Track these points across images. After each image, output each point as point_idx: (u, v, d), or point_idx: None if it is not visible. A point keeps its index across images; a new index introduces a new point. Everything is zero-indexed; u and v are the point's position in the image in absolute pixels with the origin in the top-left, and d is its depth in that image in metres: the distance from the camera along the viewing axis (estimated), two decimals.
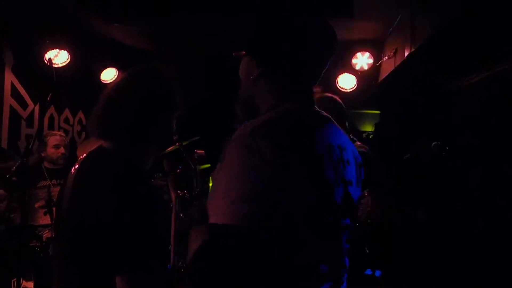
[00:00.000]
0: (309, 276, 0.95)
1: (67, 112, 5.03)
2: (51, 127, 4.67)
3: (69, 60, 4.18)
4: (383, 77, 4.63)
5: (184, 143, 3.32)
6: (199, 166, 3.06)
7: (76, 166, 1.35)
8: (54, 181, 3.55)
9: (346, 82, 5.03)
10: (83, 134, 5.33)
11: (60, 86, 4.11)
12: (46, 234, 3.20)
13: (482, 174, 3.58)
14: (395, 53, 4.07)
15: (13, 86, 4.07)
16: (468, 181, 3.73)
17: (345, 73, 5.01)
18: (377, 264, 3.85)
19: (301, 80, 1.10)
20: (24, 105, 4.24)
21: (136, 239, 1.13)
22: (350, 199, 1.05)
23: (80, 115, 5.28)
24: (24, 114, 4.24)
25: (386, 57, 4.39)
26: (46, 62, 3.76)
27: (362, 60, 4.92)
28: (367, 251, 3.18)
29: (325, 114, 1.13)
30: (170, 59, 5.47)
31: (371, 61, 4.87)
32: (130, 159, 1.31)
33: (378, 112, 5.73)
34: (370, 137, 5.24)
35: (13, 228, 3.03)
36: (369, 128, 5.64)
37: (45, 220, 3.20)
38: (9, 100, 4.02)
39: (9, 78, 4.02)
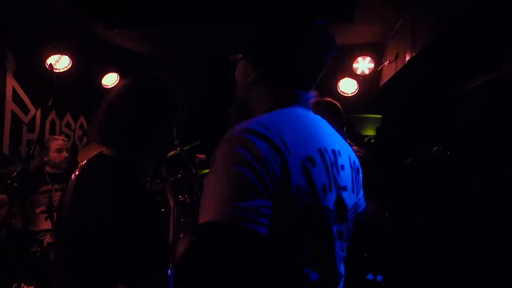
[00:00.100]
0: (298, 284, 0.92)
1: (68, 117, 5.04)
2: (52, 132, 4.68)
3: (70, 65, 4.20)
4: (384, 81, 4.63)
5: (185, 148, 3.32)
6: (200, 170, 3.06)
7: (77, 172, 1.35)
8: (56, 186, 3.56)
9: (347, 86, 5.04)
10: (85, 139, 5.34)
11: (62, 91, 4.13)
12: (47, 239, 3.20)
13: (484, 178, 3.57)
14: (396, 57, 4.07)
15: (14, 91, 4.08)
16: (470, 185, 3.72)
17: (346, 77, 5.03)
18: (378, 269, 3.84)
19: (296, 84, 1.09)
20: (26, 110, 4.25)
21: (136, 243, 1.13)
22: (344, 205, 1.03)
23: (82, 120, 5.29)
24: (26, 119, 4.25)
25: (387, 62, 4.39)
26: (47, 67, 3.78)
27: (363, 64, 4.93)
28: (365, 254, 3.17)
29: (321, 118, 1.12)
30: (170, 64, 5.49)
31: (372, 65, 4.88)
32: (131, 165, 1.31)
33: (380, 116, 5.74)
34: (372, 141, 5.24)
35: (14, 233, 3.03)
36: (370, 132, 5.65)
37: (46, 225, 3.20)
38: (10, 105, 4.04)
39: (11, 83, 4.03)
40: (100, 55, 4.91)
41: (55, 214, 2.91)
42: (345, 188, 1.05)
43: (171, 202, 2.17)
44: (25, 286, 2.82)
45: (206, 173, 3.41)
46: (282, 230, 0.87)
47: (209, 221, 0.80)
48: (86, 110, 5.25)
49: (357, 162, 1.20)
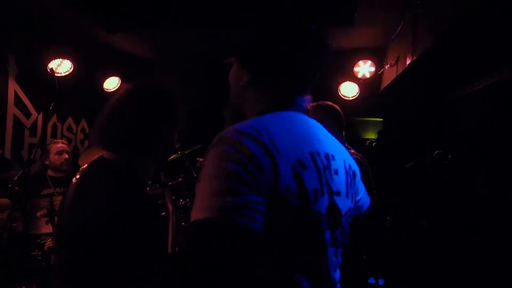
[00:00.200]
0: None
1: (70, 121, 5.05)
2: (54, 135, 4.69)
3: (72, 69, 4.22)
4: (385, 85, 4.63)
5: (186, 152, 3.32)
6: None
7: (78, 176, 1.36)
8: (58, 189, 3.56)
9: (349, 90, 5.05)
10: (86, 142, 5.35)
11: (63, 95, 4.13)
12: (48, 243, 3.20)
13: (484, 181, 3.56)
14: (397, 61, 4.08)
15: (16, 95, 4.09)
16: (471, 188, 3.72)
17: (347, 81, 5.04)
18: (379, 272, 3.83)
19: (289, 89, 1.09)
20: (28, 114, 4.27)
21: (136, 246, 1.13)
22: (337, 209, 1.01)
23: (83, 123, 5.30)
24: (28, 123, 4.26)
25: (388, 65, 4.40)
26: (48, 71, 3.79)
27: (364, 68, 4.94)
28: (364, 257, 3.17)
29: (315, 122, 1.11)
30: (171, 67, 5.50)
31: (373, 69, 4.89)
32: (131, 170, 1.32)
33: (381, 119, 5.74)
34: (373, 144, 5.24)
35: (15, 237, 3.03)
36: (372, 135, 5.65)
37: (47, 229, 3.20)
38: (12, 109, 4.05)
39: (13, 87, 4.05)
40: (101, 59, 4.94)
41: (56, 218, 2.92)
42: (338, 193, 1.03)
43: (170, 207, 2.16)
44: None
45: None
46: (272, 234, 0.85)
47: (204, 218, 0.79)
48: (87, 114, 5.26)
49: (354, 166, 1.19)
